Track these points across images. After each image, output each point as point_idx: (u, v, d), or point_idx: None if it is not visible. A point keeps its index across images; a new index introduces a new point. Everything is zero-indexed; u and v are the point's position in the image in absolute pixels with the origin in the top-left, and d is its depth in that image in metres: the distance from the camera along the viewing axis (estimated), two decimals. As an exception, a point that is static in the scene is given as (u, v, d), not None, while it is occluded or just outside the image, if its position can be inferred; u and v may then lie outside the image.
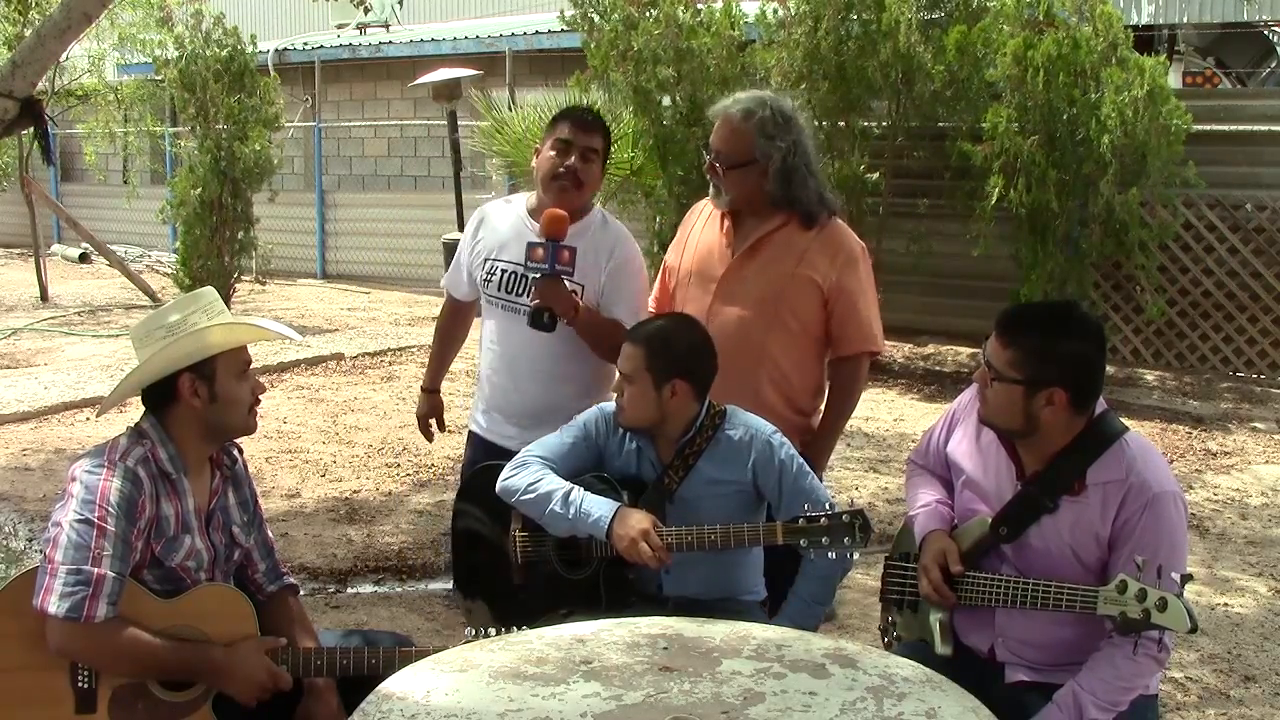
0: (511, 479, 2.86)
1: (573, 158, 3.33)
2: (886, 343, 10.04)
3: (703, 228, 3.46)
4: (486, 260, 3.46)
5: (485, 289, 3.47)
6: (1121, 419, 2.56)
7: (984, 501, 2.62)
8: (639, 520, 2.70)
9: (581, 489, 2.80)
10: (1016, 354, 2.45)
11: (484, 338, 3.57)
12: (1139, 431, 2.62)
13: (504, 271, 3.41)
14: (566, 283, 3.22)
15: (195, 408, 2.52)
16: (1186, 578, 2.32)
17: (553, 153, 3.35)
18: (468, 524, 3.12)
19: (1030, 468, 2.55)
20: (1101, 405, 2.53)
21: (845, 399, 3.37)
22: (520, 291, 3.36)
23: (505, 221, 3.50)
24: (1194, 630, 2.30)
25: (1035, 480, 2.53)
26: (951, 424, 2.78)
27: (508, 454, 3.21)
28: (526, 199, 3.52)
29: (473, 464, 3.52)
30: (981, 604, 2.56)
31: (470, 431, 3.65)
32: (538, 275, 3.20)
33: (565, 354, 3.35)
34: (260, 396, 2.64)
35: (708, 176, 3.34)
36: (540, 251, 3.17)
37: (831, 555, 2.70)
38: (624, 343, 2.92)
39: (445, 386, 3.92)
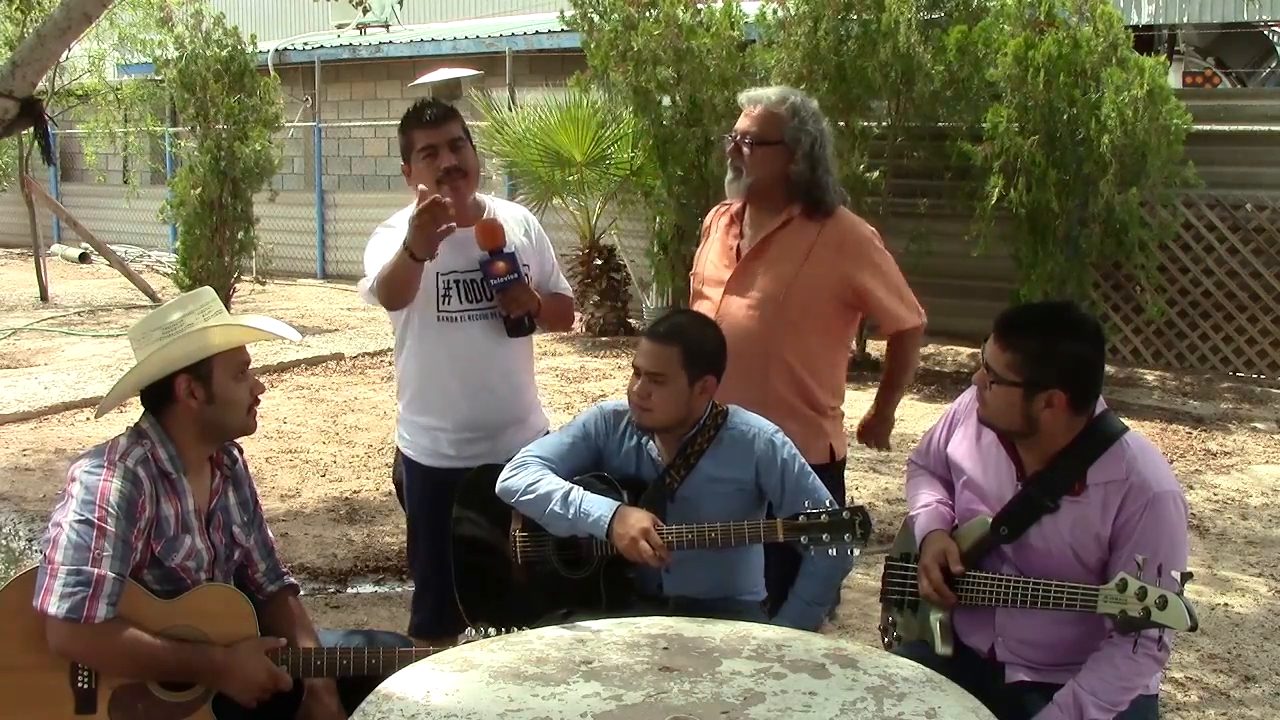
0: (511, 480, 2.86)
1: (444, 155, 3.23)
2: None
3: (717, 233, 3.50)
4: (439, 275, 3.23)
5: (444, 306, 3.25)
6: (1121, 419, 2.56)
7: (984, 502, 2.62)
8: (639, 519, 2.70)
9: (581, 489, 2.80)
10: (1015, 356, 2.45)
11: (440, 359, 3.28)
12: (1139, 431, 2.62)
13: (459, 283, 3.26)
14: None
15: (192, 408, 2.52)
16: (1186, 576, 2.32)
17: (424, 164, 3.22)
18: (467, 528, 3.11)
19: (1030, 468, 2.55)
20: (1101, 405, 2.53)
21: (899, 372, 3.52)
22: (480, 296, 3.27)
23: None
24: (1194, 628, 2.30)
25: (1035, 480, 2.53)
26: (951, 425, 2.78)
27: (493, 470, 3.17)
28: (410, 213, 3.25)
29: (434, 499, 3.25)
30: (982, 604, 2.56)
31: (425, 466, 3.34)
32: (504, 286, 3.18)
33: (525, 353, 3.38)
34: (259, 397, 2.64)
35: (729, 161, 3.36)
36: (503, 265, 3.16)
37: (832, 552, 2.70)
38: (648, 342, 2.86)
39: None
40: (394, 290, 3.12)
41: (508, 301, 3.21)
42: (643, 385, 2.83)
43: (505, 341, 3.28)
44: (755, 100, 3.34)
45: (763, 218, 3.34)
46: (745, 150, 3.29)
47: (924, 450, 2.85)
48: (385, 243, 3.21)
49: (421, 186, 3.07)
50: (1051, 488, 2.50)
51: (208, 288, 2.72)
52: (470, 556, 3.10)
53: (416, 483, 3.39)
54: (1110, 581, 2.35)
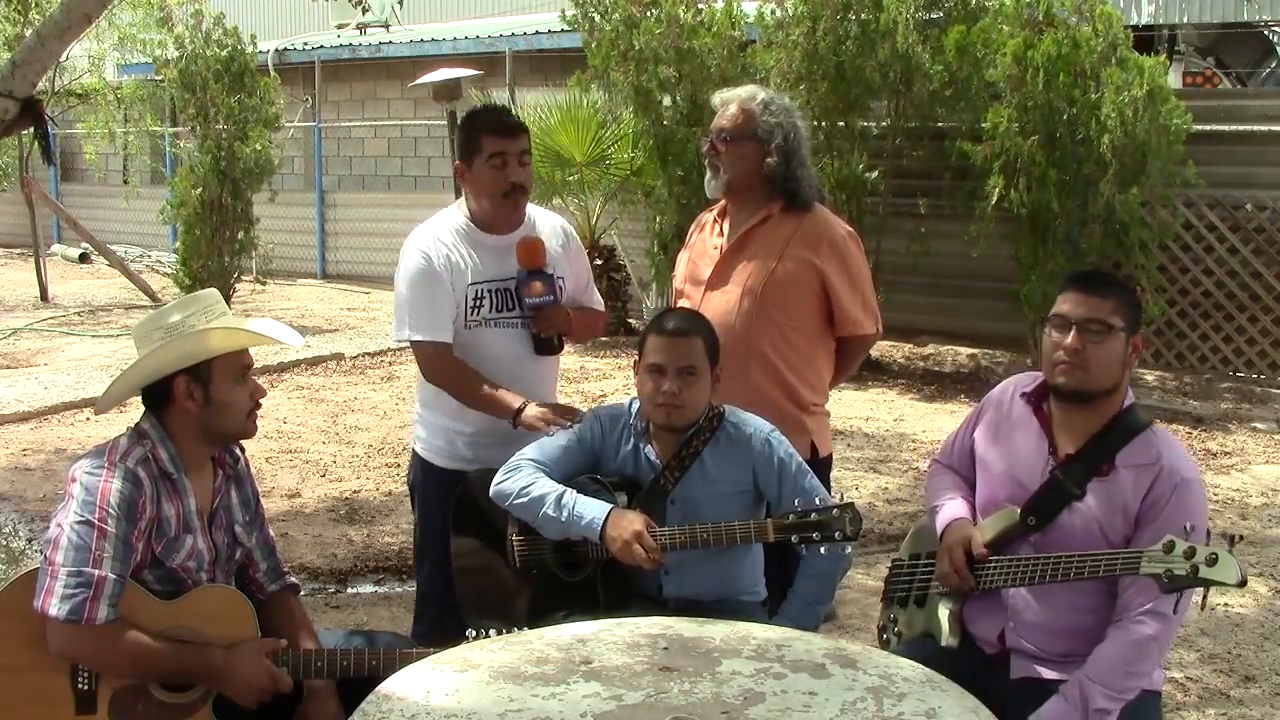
0: (504, 483, 2.86)
1: (510, 169, 3.22)
2: (886, 343, 9.88)
3: (700, 236, 3.55)
4: (470, 286, 3.27)
5: (475, 314, 3.28)
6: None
7: (1011, 487, 2.62)
8: (631, 522, 2.70)
9: (574, 492, 2.79)
10: (1116, 303, 2.51)
11: (466, 361, 3.27)
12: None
13: (493, 292, 3.28)
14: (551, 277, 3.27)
15: (191, 410, 2.52)
16: (1234, 539, 2.36)
17: (490, 172, 3.23)
18: (466, 531, 3.11)
19: (1064, 449, 2.56)
20: (1130, 398, 2.57)
21: (837, 373, 3.54)
22: (511, 306, 3.28)
23: (463, 248, 3.29)
24: (1243, 584, 2.32)
25: (1066, 465, 2.55)
26: (978, 416, 2.80)
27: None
28: (458, 216, 3.33)
29: (448, 502, 3.17)
30: (1007, 584, 2.57)
31: (439, 468, 3.35)
32: (538, 306, 3.22)
33: (550, 363, 3.40)
34: (260, 400, 2.63)
35: (705, 160, 3.41)
36: (540, 285, 3.20)
37: (823, 550, 2.70)
38: (669, 339, 2.84)
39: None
40: (454, 397, 3.26)
41: (539, 321, 3.25)
42: (673, 383, 2.80)
43: (529, 351, 3.30)
44: (727, 100, 3.40)
45: (743, 215, 3.40)
46: (721, 147, 3.34)
47: (948, 450, 2.88)
48: (430, 279, 3.21)
49: (537, 416, 3.06)
50: (1080, 474, 2.52)
51: (213, 289, 2.71)
52: (469, 560, 3.10)
53: (432, 486, 3.36)
54: (1157, 544, 2.35)
